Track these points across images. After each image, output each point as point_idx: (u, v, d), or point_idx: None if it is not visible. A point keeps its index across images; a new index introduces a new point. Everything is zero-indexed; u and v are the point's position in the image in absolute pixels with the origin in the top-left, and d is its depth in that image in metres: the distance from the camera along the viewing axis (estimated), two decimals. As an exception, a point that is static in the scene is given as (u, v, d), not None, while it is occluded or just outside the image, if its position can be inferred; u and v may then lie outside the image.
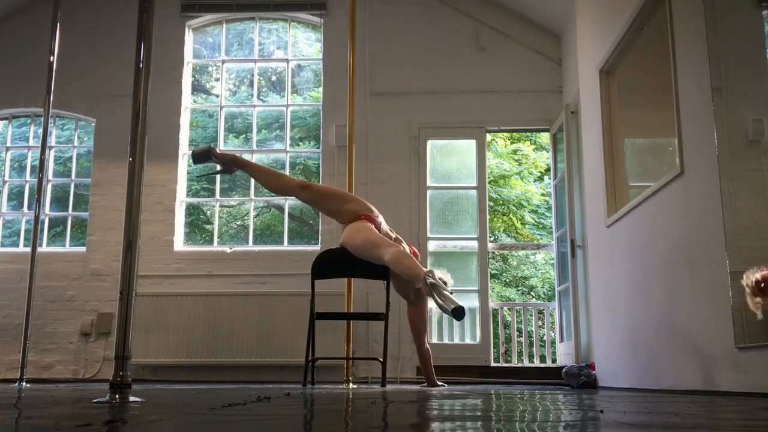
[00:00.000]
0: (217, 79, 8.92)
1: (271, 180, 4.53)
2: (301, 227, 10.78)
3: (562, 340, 6.06)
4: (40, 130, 4.88)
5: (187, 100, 6.77)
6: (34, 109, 6.70)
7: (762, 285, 2.88)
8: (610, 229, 4.85)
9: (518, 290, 11.75)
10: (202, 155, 4.41)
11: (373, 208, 4.37)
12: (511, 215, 11.57)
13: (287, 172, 6.94)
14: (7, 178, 6.89)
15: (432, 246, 6.25)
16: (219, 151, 4.54)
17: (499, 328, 8.31)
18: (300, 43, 7.84)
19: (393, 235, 4.25)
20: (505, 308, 8.70)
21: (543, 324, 6.34)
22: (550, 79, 6.42)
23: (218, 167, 4.49)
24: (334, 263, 4.41)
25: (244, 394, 2.82)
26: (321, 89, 6.74)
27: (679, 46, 3.74)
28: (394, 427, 1.40)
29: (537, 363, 6.18)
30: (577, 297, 5.63)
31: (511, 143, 11.80)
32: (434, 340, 5.99)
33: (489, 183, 7.82)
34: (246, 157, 7.07)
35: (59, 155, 7.50)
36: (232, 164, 4.47)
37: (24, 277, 4.92)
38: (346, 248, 4.27)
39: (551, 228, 7.39)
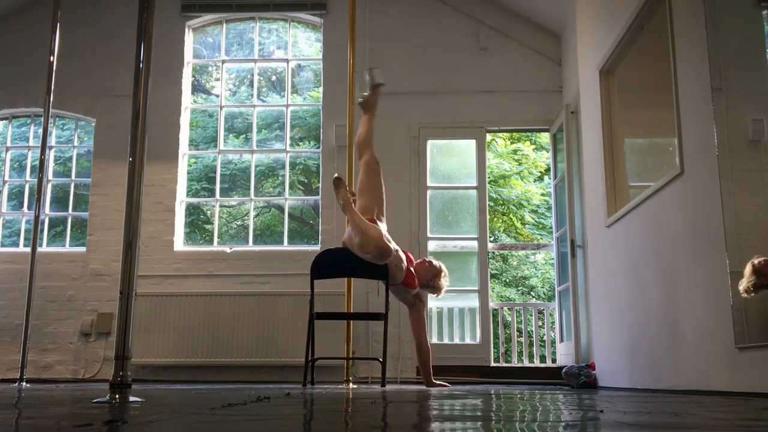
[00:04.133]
0: (217, 79, 8.92)
1: (367, 137, 4.63)
2: (301, 227, 10.78)
3: (562, 340, 6.06)
4: (40, 130, 4.88)
5: (187, 100, 6.77)
6: (34, 109, 6.70)
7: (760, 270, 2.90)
8: (610, 229, 4.85)
9: (518, 290, 11.75)
10: (375, 79, 4.65)
11: (383, 216, 4.37)
12: (511, 215, 11.57)
13: (287, 172, 6.94)
14: (7, 178, 6.89)
15: (432, 246, 6.25)
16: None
17: (499, 328, 8.31)
18: (300, 43, 7.84)
19: (392, 246, 4.25)
20: (505, 308, 8.71)
21: (543, 324, 6.33)
22: (550, 79, 6.42)
23: (365, 95, 4.68)
24: (333, 263, 4.41)
25: (244, 394, 2.82)
26: (321, 89, 6.74)
27: (679, 46, 3.74)
28: (394, 427, 1.40)
29: (537, 363, 6.18)
30: (577, 297, 5.63)
31: (511, 143, 11.80)
32: (434, 340, 5.99)
33: (489, 183, 7.82)
34: (246, 157, 7.12)
35: (59, 155, 7.50)
36: (371, 105, 4.67)
37: (24, 277, 4.93)
38: (347, 247, 4.28)
39: (551, 228, 7.39)
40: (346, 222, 4.45)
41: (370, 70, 4.73)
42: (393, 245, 4.24)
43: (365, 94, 4.69)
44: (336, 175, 4.44)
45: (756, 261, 2.96)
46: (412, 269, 4.47)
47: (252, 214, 7.98)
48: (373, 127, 4.68)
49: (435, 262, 4.59)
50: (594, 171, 5.22)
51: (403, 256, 4.38)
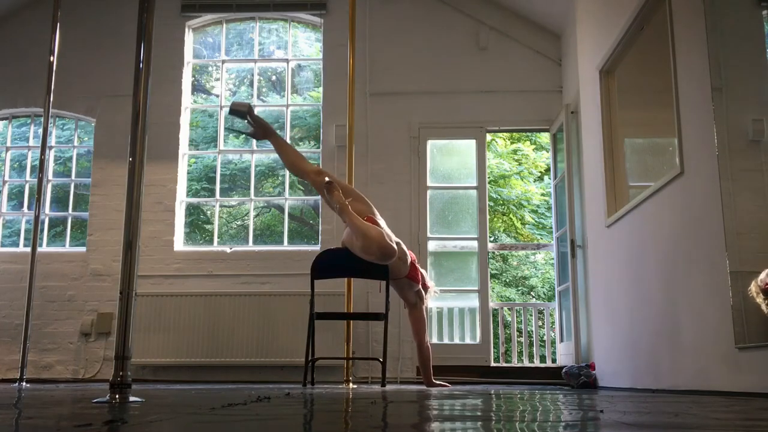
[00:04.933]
0: (217, 79, 8.92)
1: (292, 159, 4.59)
2: (301, 227, 10.78)
3: (562, 340, 6.06)
4: (40, 130, 4.88)
5: (187, 100, 6.77)
6: (34, 109, 6.70)
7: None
8: (610, 229, 4.85)
9: (518, 290, 11.76)
10: (240, 110, 4.45)
11: (376, 211, 4.38)
12: (511, 215, 11.57)
13: (287, 172, 6.92)
14: (7, 178, 6.89)
15: (432, 246, 6.25)
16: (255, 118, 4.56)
17: (499, 328, 8.31)
18: (300, 43, 7.84)
19: (394, 239, 4.26)
20: (505, 308, 8.71)
21: (543, 324, 6.33)
22: (550, 79, 6.42)
23: (249, 128, 4.54)
24: (333, 263, 4.41)
25: (244, 394, 2.82)
26: (321, 89, 6.74)
27: (679, 46, 3.74)
28: (394, 427, 1.40)
29: (537, 363, 6.18)
30: (577, 297, 5.63)
31: (511, 143, 11.80)
32: (434, 340, 5.99)
33: (489, 183, 7.82)
34: (246, 157, 7.13)
35: (59, 155, 7.50)
36: (262, 131, 4.53)
37: (24, 277, 4.93)
38: (347, 248, 4.27)
39: (551, 228, 7.39)
40: (344, 222, 4.45)
41: (230, 109, 4.51)
42: (395, 239, 4.25)
43: (248, 130, 4.55)
44: (327, 179, 4.35)
45: (761, 281, 2.97)
46: (417, 264, 4.48)
47: (252, 214, 7.98)
48: (285, 146, 4.64)
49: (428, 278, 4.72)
50: (594, 171, 5.22)
51: (407, 250, 4.39)
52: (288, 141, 6.88)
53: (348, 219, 4.18)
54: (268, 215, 11.04)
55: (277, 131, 4.81)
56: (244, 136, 6.60)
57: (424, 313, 4.58)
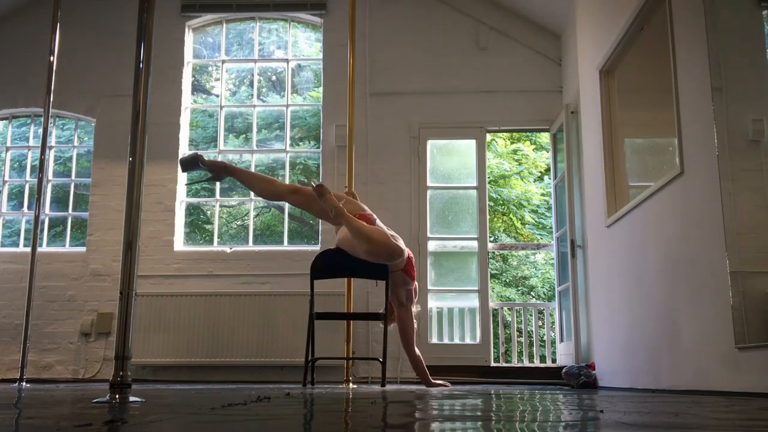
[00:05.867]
0: (217, 79, 8.92)
1: (262, 186, 4.55)
2: (301, 227, 10.77)
3: (562, 340, 6.06)
4: (40, 130, 4.88)
5: (187, 100, 6.77)
6: (34, 109, 6.70)
7: None
8: (610, 229, 4.85)
9: (518, 290, 11.75)
10: (189, 163, 4.37)
11: (365, 207, 4.38)
12: (511, 215, 11.57)
13: (287, 172, 6.94)
14: (7, 178, 6.89)
15: (432, 246, 6.25)
16: (209, 159, 4.51)
17: (499, 328, 8.31)
18: (300, 43, 7.84)
19: (389, 233, 4.26)
20: (505, 308, 8.71)
21: (543, 324, 6.33)
22: (550, 79, 6.42)
23: (208, 174, 4.48)
24: (333, 263, 4.41)
25: (244, 394, 2.82)
26: (321, 89, 6.74)
27: (679, 46, 3.74)
28: (394, 427, 1.40)
29: (537, 363, 6.18)
30: (577, 297, 5.63)
31: (511, 143, 11.80)
32: (434, 340, 6.00)
33: (489, 183, 7.82)
34: (246, 157, 7.13)
35: (59, 155, 7.50)
36: (221, 172, 4.47)
37: (24, 277, 4.93)
38: (351, 253, 4.26)
39: (551, 228, 7.39)
40: (334, 224, 4.42)
41: (181, 166, 4.46)
42: (390, 233, 4.25)
43: (207, 177, 4.54)
44: (317, 182, 4.26)
45: None
46: (414, 262, 4.46)
47: (252, 214, 7.98)
48: (250, 176, 4.59)
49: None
50: (594, 171, 5.22)
51: (405, 247, 4.37)
52: (289, 141, 6.89)
53: (347, 224, 4.12)
54: (268, 215, 11.04)
55: (238, 165, 4.76)
56: (244, 135, 6.59)
57: (412, 315, 4.53)
